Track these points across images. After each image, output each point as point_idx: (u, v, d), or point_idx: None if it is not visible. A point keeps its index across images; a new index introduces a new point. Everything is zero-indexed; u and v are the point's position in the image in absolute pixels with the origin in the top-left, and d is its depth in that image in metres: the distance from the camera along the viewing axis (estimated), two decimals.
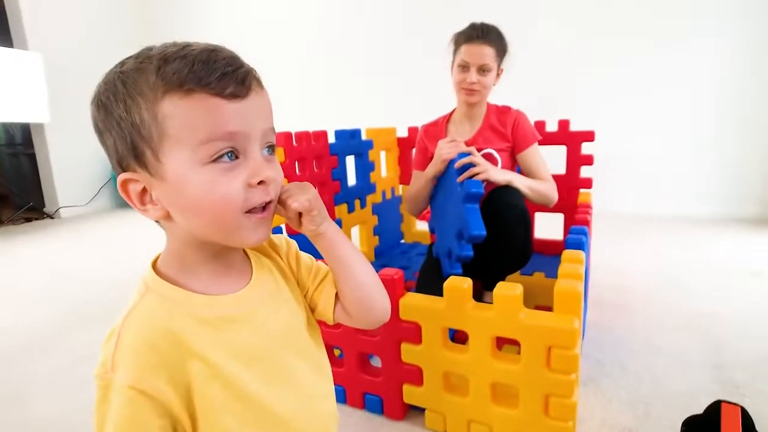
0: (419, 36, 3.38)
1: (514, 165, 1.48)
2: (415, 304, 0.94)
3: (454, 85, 1.43)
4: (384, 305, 0.58)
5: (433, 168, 1.36)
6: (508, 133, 1.44)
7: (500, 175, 1.29)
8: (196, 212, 0.44)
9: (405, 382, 1.01)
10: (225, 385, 0.44)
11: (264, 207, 0.46)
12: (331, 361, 0.60)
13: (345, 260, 0.55)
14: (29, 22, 3.56)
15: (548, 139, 1.76)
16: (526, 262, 1.37)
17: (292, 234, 0.68)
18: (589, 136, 1.75)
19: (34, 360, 1.41)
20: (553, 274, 1.58)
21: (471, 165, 1.24)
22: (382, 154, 2.06)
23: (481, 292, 1.41)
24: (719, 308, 1.54)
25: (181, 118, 0.40)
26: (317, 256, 0.59)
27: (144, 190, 0.44)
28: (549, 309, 0.86)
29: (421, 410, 1.02)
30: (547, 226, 1.93)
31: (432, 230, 1.56)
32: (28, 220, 3.67)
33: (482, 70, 1.36)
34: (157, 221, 0.47)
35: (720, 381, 1.14)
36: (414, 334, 0.96)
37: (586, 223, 1.28)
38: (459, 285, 0.89)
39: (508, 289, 0.84)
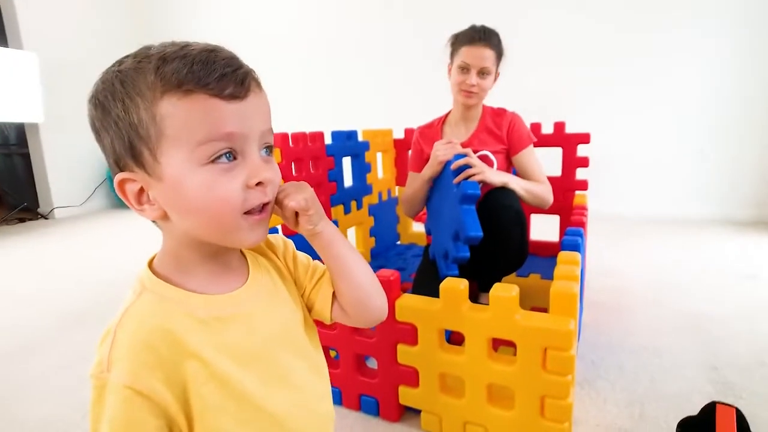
0: (417, 37, 3.39)
1: (509, 167, 1.49)
2: (411, 305, 0.94)
3: (452, 86, 1.43)
4: (381, 303, 0.58)
5: (430, 169, 1.36)
6: (504, 135, 1.44)
7: (496, 176, 1.30)
8: (194, 213, 0.43)
9: (401, 383, 1.01)
10: (221, 384, 0.44)
11: (262, 208, 0.46)
12: (326, 363, 0.60)
13: (342, 259, 0.55)
14: (24, 22, 3.54)
15: (544, 141, 1.77)
16: (522, 263, 1.37)
17: (289, 234, 0.68)
18: (584, 138, 1.75)
19: (28, 361, 1.40)
20: (548, 275, 1.59)
21: (467, 166, 1.25)
22: (379, 156, 2.06)
23: (476, 294, 1.41)
24: (714, 310, 1.55)
25: (180, 118, 0.40)
26: (314, 256, 0.59)
27: (141, 190, 0.44)
28: (545, 310, 0.87)
29: (417, 412, 1.02)
30: (543, 228, 1.94)
31: (428, 232, 1.56)
32: (22, 220, 3.64)
33: (482, 73, 1.37)
34: (153, 221, 0.47)
35: (715, 382, 1.15)
36: (410, 335, 0.96)
37: (582, 224, 1.29)
38: (455, 286, 0.89)
39: (504, 291, 0.84)
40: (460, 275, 1.04)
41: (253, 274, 0.52)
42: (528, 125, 1.50)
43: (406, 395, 1.00)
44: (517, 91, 2.45)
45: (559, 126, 1.79)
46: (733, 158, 2.83)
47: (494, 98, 1.49)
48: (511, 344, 0.85)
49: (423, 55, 2.67)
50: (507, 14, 2.98)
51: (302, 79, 3.93)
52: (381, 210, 2.03)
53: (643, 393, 1.11)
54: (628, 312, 1.56)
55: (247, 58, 0.46)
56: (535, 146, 1.47)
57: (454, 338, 1.19)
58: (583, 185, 1.79)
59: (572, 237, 1.11)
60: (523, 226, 1.32)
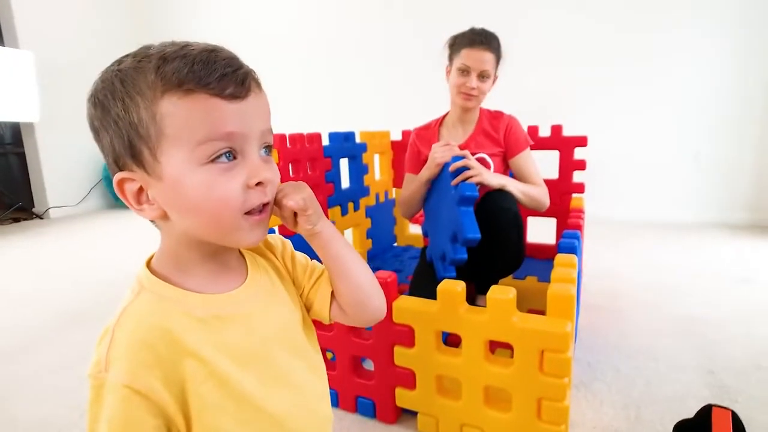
0: (416, 37, 3.39)
1: (506, 170, 1.49)
2: (408, 307, 0.94)
3: (450, 88, 1.43)
4: (380, 303, 0.58)
5: (427, 171, 1.36)
6: (501, 138, 1.45)
7: (494, 178, 1.30)
8: (193, 212, 0.43)
9: (398, 385, 1.01)
10: (220, 384, 0.44)
11: (262, 208, 0.46)
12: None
13: (341, 259, 0.55)
14: (21, 21, 3.53)
15: (541, 144, 1.78)
16: (519, 265, 1.37)
17: (287, 235, 0.67)
18: (581, 142, 1.76)
19: (23, 361, 1.39)
20: (545, 278, 1.59)
21: (465, 168, 1.25)
22: (376, 157, 2.06)
23: (474, 296, 1.41)
24: (710, 313, 1.55)
25: (180, 117, 0.40)
26: (313, 256, 0.59)
27: (140, 190, 0.44)
28: (542, 313, 0.87)
29: (414, 414, 1.02)
30: (540, 231, 1.94)
31: (425, 233, 1.56)
32: (17, 220, 3.63)
33: (482, 76, 1.37)
34: (152, 221, 0.47)
35: (711, 385, 1.15)
36: (407, 337, 0.96)
37: (579, 227, 1.29)
38: (452, 288, 0.89)
39: (501, 293, 0.84)
40: (458, 277, 1.04)
41: (252, 274, 0.52)
42: (525, 128, 1.51)
43: (403, 397, 1.00)
44: (517, 91, 2.46)
45: (556, 129, 1.79)
46: (730, 161, 2.84)
47: (494, 98, 1.49)
48: (508, 346, 0.85)
49: (423, 55, 2.66)
50: (507, 14, 3.00)
51: (302, 79, 3.93)
52: (378, 212, 2.03)
53: (639, 396, 1.11)
54: (625, 315, 1.57)
55: (247, 58, 0.46)
56: (532, 149, 1.48)
57: (451, 340, 1.18)
58: (580, 188, 1.79)
59: (569, 240, 1.11)
60: (521, 229, 1.32)
